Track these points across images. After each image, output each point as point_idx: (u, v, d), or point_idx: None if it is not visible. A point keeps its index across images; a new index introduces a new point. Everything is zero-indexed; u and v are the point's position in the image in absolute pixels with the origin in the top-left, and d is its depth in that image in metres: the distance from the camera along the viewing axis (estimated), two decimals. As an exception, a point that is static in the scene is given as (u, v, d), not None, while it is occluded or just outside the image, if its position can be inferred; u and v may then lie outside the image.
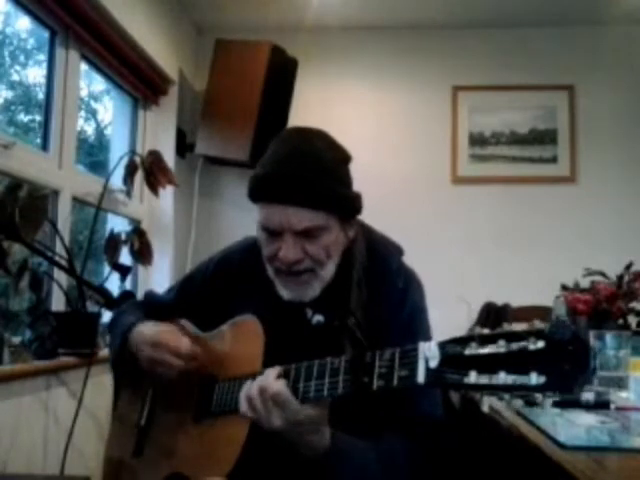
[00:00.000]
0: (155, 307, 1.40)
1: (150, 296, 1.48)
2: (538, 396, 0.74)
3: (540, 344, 0.74)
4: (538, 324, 0.76)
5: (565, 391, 0.72)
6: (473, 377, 0.77)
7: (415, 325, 1.21)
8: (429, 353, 0.82)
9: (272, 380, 0.97)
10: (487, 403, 0.79)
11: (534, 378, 0.73)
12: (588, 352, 0.72)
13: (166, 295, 1.44)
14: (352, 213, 1.18)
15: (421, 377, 0.83)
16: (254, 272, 1.25)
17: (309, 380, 0.96)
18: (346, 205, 1.15)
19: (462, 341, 0.80)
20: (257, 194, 1.15)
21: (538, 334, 0.74)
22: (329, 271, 1.16)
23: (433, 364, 0.82)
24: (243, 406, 1.01)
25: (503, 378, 0.75)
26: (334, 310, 1.18)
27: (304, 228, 1.10)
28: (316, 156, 1.12)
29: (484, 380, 0.76)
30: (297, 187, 1.09)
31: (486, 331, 0.79)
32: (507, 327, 0.81)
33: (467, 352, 0.79)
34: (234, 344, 1.19)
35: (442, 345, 0.82)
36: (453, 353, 0.80)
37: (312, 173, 1.10)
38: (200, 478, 1.09)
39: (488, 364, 0.76)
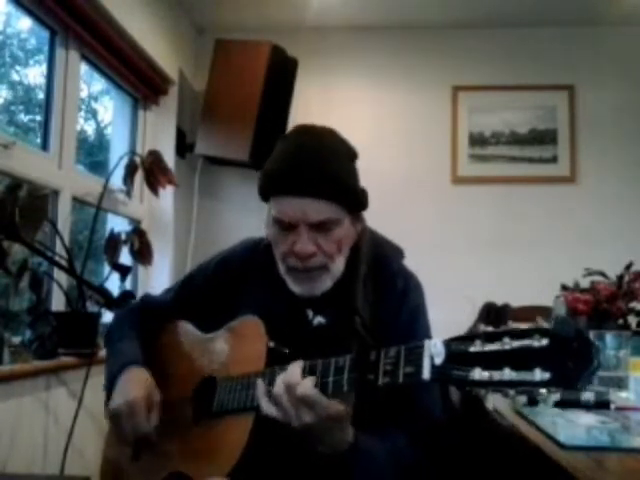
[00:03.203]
0: (153, 313, 1.39)
1: (147, 300, 1.46)
2: (542, 392, 0.74)
3: (544, 341, 0.75)
4: (542, 322, 0.77)
5: (569, 387, 0.73)
6: (478, 373, 0.78)
7: (415, 327, 1.21)
8: (434, 350, 0.83)
9: (299, 377, 0.96)
10: (492, 400, 0.79)
11: (538, 374, 0.74)
12: (591, 349, 0.73)
13: (164, 296, 1.43)
14: (361, 207, 1.19)
15: (426, 373, 0.83)
16: (255, 273, 1.26)
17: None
18: (357, 199, 1.17)
19: (467, 339, 0.81)
20: (270, 188, 1.15)
21: (542, 331, 0.75)
22: (339, 266, 1.17)
23: (438, 361, 0.82)
24: (264, 405, 1.00)
25: (508, 374, 0.76)
26: (337, 310, 1.18)
27: (320, 220, 1.11)
28: (326, 150, 1.14)
29: (489, 376, 0.77)
30: (312, 178, 1.10)
31: (491, 328, 0.80)
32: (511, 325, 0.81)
33: (472, 349, 0.79)
34: (236, 345, 1.19)
35: (447, 342, 0.83)
36: (458, 350, 0.81)
37: (325, 165, 1.11)
38: (201, 478, 1.09)
39: (493, 361, 0.77)
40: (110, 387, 1.24)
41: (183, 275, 1.46)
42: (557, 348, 0.74)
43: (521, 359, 0.75)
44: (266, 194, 1.16)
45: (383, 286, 1.21)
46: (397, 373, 0.87)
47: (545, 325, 0.76)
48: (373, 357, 0.91)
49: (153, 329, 1.38)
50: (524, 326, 0.78)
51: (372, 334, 1.14)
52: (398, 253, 1.30)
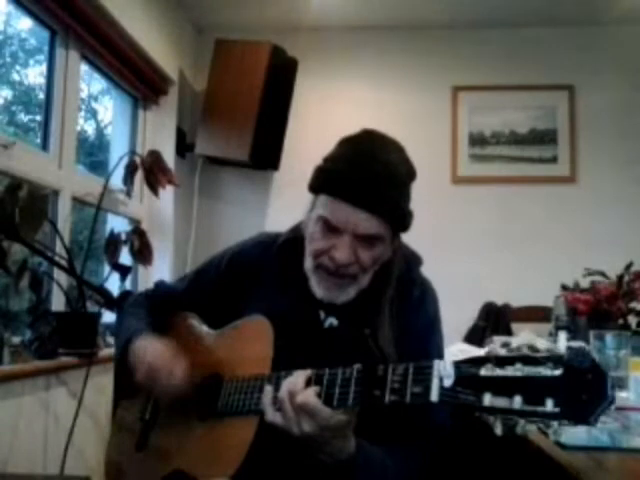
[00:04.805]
0: (164, 301, 1.39)
1: (160, 288, 1.45)
2: (553, 424, 0.72)
3: (558, 371, 0.72)
4: (557, 349, 0.74)
5: (581, 421, 0.71)
6: (488, 399, 0.75)
7: (428, 335, 1.21)
8: (444, 372, 0.81)
9: (301, 385, 0.96)
10: (500, 427, 0.76)
11: (550, 405, 0.71)
12: (606, 382, 0.70)
13: (178, 284, 1.42)
14: (405, 229, 1.18)
15: (435, 395, 0.82)
16: (268, 270, 1.25)
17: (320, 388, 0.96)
18: (405, 221, 1.16)
19: (478, 361, 0.78)
20: (329, 188, 1.12)
21: (556, 360, 0.73)
22: (367, 279, 1.15)
23: (447, 383, 0.80)
24: (269, 413, 1.00)
25: (518, 402, 0.73)
26: (351, 314, 1.17)
27: (368, 234, 1.10)
28: (393, 167, 1.12)
29: (499, 403, 0.74)
30: (375, 194, 1.08)
31: (502, 352, 0.77)
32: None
33: (483, 373, 0.77)
34: (243, 344, 1.18)
35: (457, 364, 0.80)
36: (468, 373, 0.79)
37: (389, 184, 1.10)
38: (204, 478, 1.09)
39: (504, 387, 0.75)
40: (121, 356, 1.26)
41: (197, 265, 1.43)
42: (571, 379, 0.71)
43: (533, 388, 0.73)
44: (320, 190, 1.14)
45: (400, 295, 1.20)
46: (404, 392, 0.86)
47: (560, 353, 0.73)
48: (380, 372, 0.90)
49: (161, 320, 1.37)
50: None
51: (383, 344, 1.13)
52: (417, 260, 1.29)
